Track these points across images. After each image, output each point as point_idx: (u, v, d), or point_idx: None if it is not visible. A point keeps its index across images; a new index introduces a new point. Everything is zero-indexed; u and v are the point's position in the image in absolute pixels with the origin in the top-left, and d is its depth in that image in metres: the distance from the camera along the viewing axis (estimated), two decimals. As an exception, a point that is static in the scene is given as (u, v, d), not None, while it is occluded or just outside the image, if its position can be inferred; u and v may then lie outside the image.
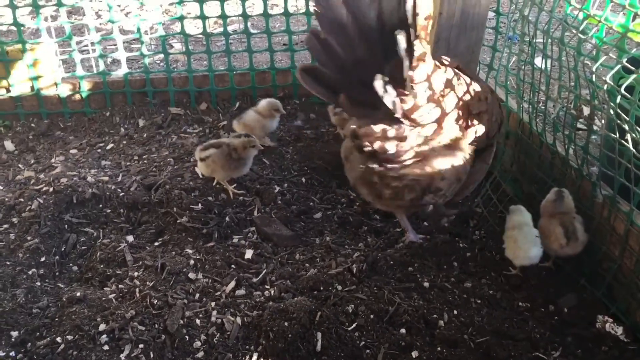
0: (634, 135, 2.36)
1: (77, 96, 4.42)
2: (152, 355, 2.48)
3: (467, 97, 2.66)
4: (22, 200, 3.40)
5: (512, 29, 3.40)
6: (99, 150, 4.05)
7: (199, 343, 2.54)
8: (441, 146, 2.58)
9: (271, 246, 3.14)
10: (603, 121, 2.71)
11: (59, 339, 2.53)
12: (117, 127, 4.30)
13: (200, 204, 3.32)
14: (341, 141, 3.92)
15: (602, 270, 2.73)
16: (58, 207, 3.32)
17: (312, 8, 2.29)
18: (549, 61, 2.93)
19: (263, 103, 3.92)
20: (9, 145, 4.22)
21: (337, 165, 3.75)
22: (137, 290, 2.77)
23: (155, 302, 2.69)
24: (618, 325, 2.57)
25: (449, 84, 2.55)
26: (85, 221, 3.32)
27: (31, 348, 2.54)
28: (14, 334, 2.62)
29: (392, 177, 2.56)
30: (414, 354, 2.44)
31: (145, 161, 3.83)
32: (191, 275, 2.89)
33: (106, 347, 2.50)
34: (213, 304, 2.73)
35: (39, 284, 2.93)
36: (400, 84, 2.36)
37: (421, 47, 2.36)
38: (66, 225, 3.27)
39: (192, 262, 2.97)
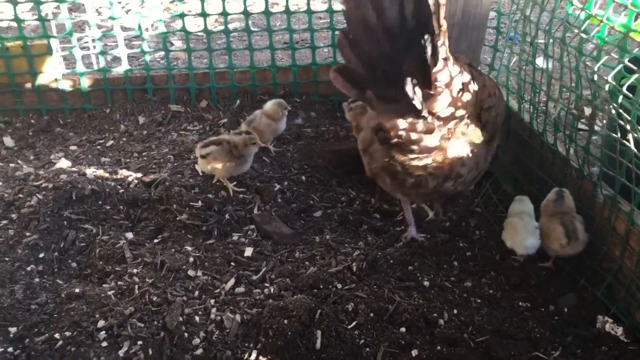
0: (635, 135, 2.36)
1: (77, 92, 4.41)
2: (150, 352, 2.47)
3: (480, 92, 2.80)
4: (21, 196, 3.38)
5: (513, 29, 3.40)
6: (99, 147, 4.04)
7: (198, 340, 2.53)
8: (461, 136, 2.72)
9: (271, 244, 3.14)
10: (604, 121, 2.71)
11: (57, 335, 2.53)
12: (117, 124, 4.30)
13: (200, 201, 3.31)
14: (342, 140, 3.97)
15: (602, 271, 2.72)
16: (57, 204, 3.31)
17: (340, 6, 2.36)
18: (550, 61, 2.93)
19: (271, 105, 3.88)
20: (8, 141, 4.21)
21: (337, 164, 3.76)
22: (136, 287, 2.76)
23: (155, 299, 2.69)
24: (618, 326, 2.57)
25: (465, 81, 2.66)
26: (84, 217, 3.31)
27: (29, 344, 2.53)
28: (12, 329, 2.61)
29: (416, 167, 2.70)
30: (414, 352, 2.44)
31: (145, 158, 3.82)
32: (190, 273, 2.89)
33: (105, 344, 2.49)
34: (212, 301, 2.72)
35: (37, 280, 2.92)
36: (426, 83, 2.47)
37: (445, 47, 2.45)
38: (65, 222, 3.26)
39: (191, 259, 2.96)
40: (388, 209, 3.43)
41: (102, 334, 2.52)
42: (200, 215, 3.23)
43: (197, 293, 2.77)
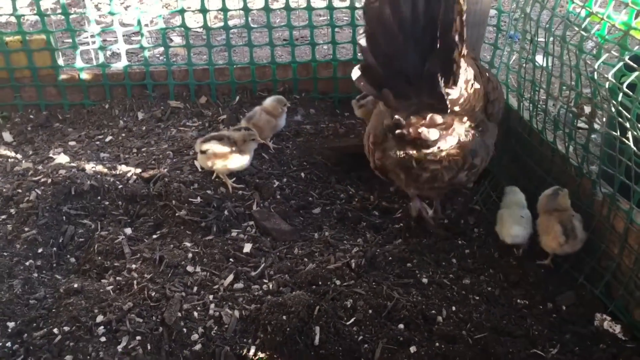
0: (635, 133, 2.36)
1: (77, 88, 4.40)
2: (149, 347, 2.47)
3: (486, 85, 2.87)
4: (20, 191, 3.38)
5: (513, 27, 3.40)
6: (98, 143, 4.03)
7: (196, 336, 2.54)
8: (473, 128, 2.78)
9: (270, 240, 3.14)
10: (604, 119, 2.71)
11: (55, 330, 2.53)
12: (116, 119, 4.29)
13: (199, 197, 3.31)
14: (341, 137, 3.97)
15: (601, 269, 2.73)
16: (56, 199, 3.31)
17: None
18: (550, 59, 2.93)
19: (270, 102, 3.88)
20: (7, 136, 4.20)
21: (336, 161, 3.76)
22: (135, 282, 2.76)
23: (153, 294, 2.69)
24: (616, 324, 2.57)
25: (475, 75, 2.71)
26: (83, 213, 3.31)
27: (28, 339, 2.53)
28: (11, 324, 2.61)
29: (431, 161, 2.74)
30: (412, 349, 2.44)
31: (144, 154, 3.82)
32: (189, 268, 2.89)
33: (103, 339, 2.49)
34: (211, 297, 2.72)
35: (36, 275, 2.92)
36: (452, 81, 2.52)
37: (464, 45, 2.46)
38: (64, 217, 3.26)
39: (190, 255, 2.96)
40: (387, 206, 3.44)
41: (101, 329, 2.52)
42: (199, 211, 3.23)
43: (195, 289, 2.77)
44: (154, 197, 3.36)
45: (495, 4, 3.80)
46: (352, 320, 2.56)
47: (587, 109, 3.14)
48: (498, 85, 3.06)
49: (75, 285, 2.74)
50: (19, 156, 3.92)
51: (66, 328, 2.53)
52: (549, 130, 3.07)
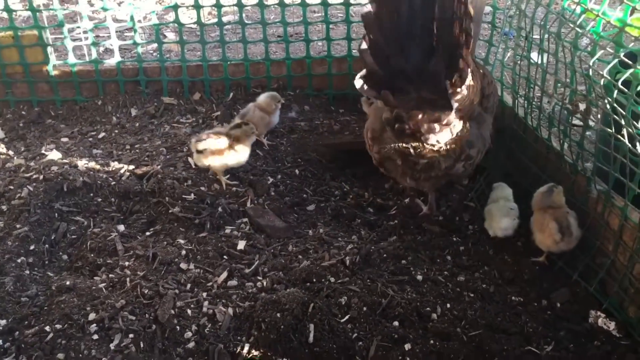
0: (629, 130, 2.36)
1: (69, 84, 4.37)
2: (142, 345, 2.45)
3: (482, 80, 2.91)
4: (11, 187, 3.35)
5: (508, 24, 3.39)
6: (91, 139, 4.00)
7: (190, 333, 2.52)
8: (470, 121, 2.84)
9: (264, 237, 3.12)
10: (599, 116, 2.71)
11: (47, 328, 2.51)
12: (109, 116, 4.26)
13: (192, 194, 3.29)
14: (336, 133, 3.97)
15: (595, 266, 2.73)
16: (48, 195, 3.28)
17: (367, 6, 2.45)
18: (545, 56, 2.92)
19: (264, 98, 3.87)
20: (-2, 132, 4.18)
21: (331, 158, 3.75)
22: (128, 279, 2.74)
23: (146, 292, 2.67)
24: (611, 321, 2.58)
25: (472, 71, 2.72)
26: (75, 210, 3.28)
27: (19, 337, 2.51)
28: (2, 322, 2.58)
29: (429, 150, 2.79)
30: (407, 346, 2.43)
31: (138, 150, 3.79)
32: (183, 266, 2.87)
33: (96, 337, 2.47)
34: (205, 294, 2.71)
35: (27, 272, 2.89)
36: (460, 79, 2.55)
37: (471, 42, 2.47)
38: (56, 214, 3.23)
39: (183, 252, 2.94)
40: (382, 203, 3.43)
41: (93, 326, 2.50)
42: (192, 208, 3.21)
43: (189, 286, 2.75)
44: (147, 193, 3.34)
45: (490, 1, 3.79)
46: (347, 317, 2.55)
47: (582, 106, 3.13)
48: (492, 80, 3.11)
49: (68, 283, 2.72)
50: (10, 152, 3.89)
51: (58, 326, 2.51)
52: (544, 128, 3.07)
